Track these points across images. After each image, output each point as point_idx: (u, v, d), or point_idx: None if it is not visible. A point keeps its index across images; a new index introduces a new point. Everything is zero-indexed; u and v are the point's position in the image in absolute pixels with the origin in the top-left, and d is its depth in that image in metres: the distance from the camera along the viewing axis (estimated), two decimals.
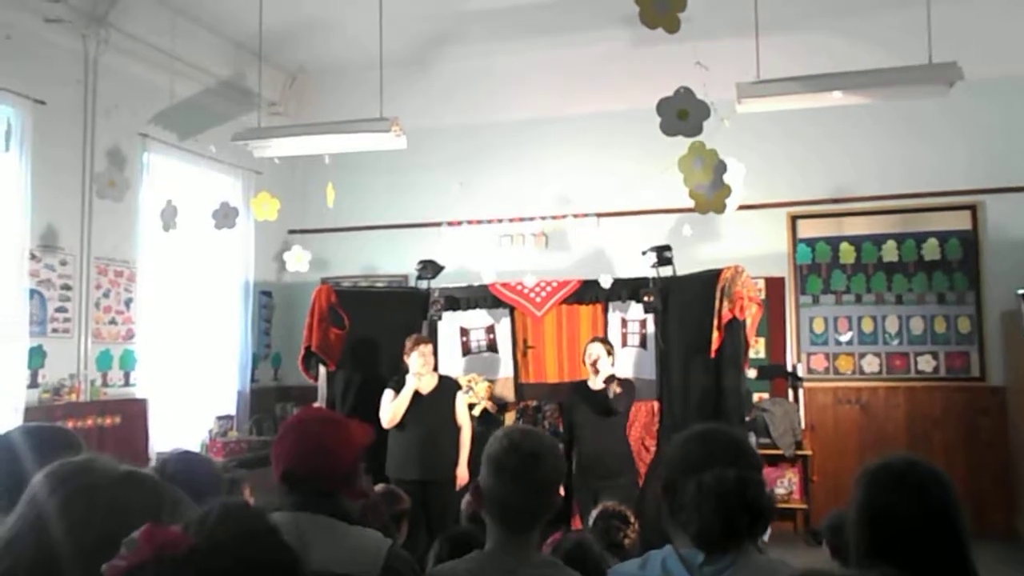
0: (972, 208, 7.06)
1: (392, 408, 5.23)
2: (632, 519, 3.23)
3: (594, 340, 5.44)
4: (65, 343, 5.94)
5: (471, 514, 3.52)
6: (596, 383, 5.27)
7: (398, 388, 5.29)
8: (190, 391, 7.09)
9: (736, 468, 1.68)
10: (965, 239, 7.08)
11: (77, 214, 6.09)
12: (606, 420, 5.17)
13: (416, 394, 5.27)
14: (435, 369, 5.56)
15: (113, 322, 6.34)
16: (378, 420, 5.19)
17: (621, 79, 7.43)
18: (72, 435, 2.17)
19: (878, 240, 7.27)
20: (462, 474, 5.31)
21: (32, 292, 5.67)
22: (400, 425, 5.26)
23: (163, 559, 0.94)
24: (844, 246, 7.34)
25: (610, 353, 5.32)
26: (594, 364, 5.26)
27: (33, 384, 5.65)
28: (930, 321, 7.14)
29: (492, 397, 6.27)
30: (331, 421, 2.14)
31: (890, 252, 7.23)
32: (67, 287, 5.97)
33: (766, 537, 5.77)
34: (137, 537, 0.98)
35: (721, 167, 4.81)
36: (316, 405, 6.15)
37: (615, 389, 5.08)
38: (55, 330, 5.86)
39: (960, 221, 7.10)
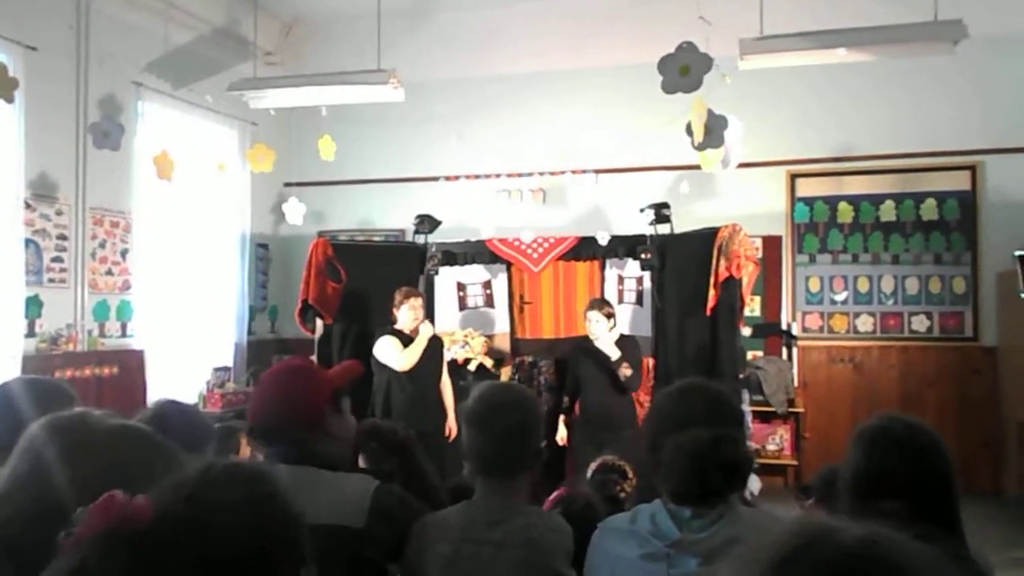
0: (972, 168, 7.03)
1: (408, 354, 5.23)
2: (630, 474, 3.27)
3: (592, 307, 5.38)
4: (62, 293, 5.94)
5: None
6: (604, 344, 5.27)
7: (394, 335, 5.32)
8: (187, 342, 7.11)
9: (712, 426, 1.72)
10: (964, 200, 7.06)
11: (71, 163, 6.03)
12: (613, 382, 5.20)
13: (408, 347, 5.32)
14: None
15: (109, 272, 6.33)
16: (366, 361, 5.19)
17: (622, 33, 7.33)
18: (68, 388, 2.18)
19: (876, 200, 7.24)
20: (452, 425, 5.44)
21: (28, 242, 5.65)
22: (394, 376, 5.30)
23: (118, 533, 0.87)
24: (842, 205, 7.32)
25: (609, 316, 5.32)
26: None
27: (30, 333, 5.66)
28: (925, 281, 7.16)
29: (488, 352, 6.31)
30: (292, 370, 2.04)
31: (888, 212, 7.21)
32: (63, 237, 5.95)
33: (756, 491, 5.88)
34: (89, 508, 0.90)
35: (717, 123, 4.77)
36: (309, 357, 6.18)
37: (625, 372, 5.15)
38: (51, 280, 5.85)
39: (959, 181, 7.08)
